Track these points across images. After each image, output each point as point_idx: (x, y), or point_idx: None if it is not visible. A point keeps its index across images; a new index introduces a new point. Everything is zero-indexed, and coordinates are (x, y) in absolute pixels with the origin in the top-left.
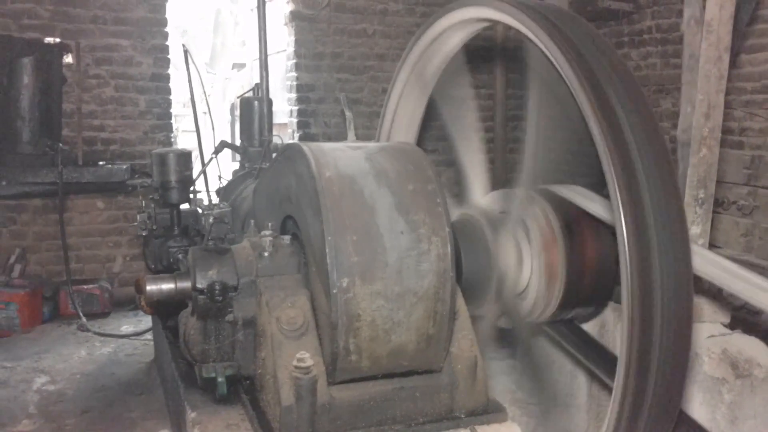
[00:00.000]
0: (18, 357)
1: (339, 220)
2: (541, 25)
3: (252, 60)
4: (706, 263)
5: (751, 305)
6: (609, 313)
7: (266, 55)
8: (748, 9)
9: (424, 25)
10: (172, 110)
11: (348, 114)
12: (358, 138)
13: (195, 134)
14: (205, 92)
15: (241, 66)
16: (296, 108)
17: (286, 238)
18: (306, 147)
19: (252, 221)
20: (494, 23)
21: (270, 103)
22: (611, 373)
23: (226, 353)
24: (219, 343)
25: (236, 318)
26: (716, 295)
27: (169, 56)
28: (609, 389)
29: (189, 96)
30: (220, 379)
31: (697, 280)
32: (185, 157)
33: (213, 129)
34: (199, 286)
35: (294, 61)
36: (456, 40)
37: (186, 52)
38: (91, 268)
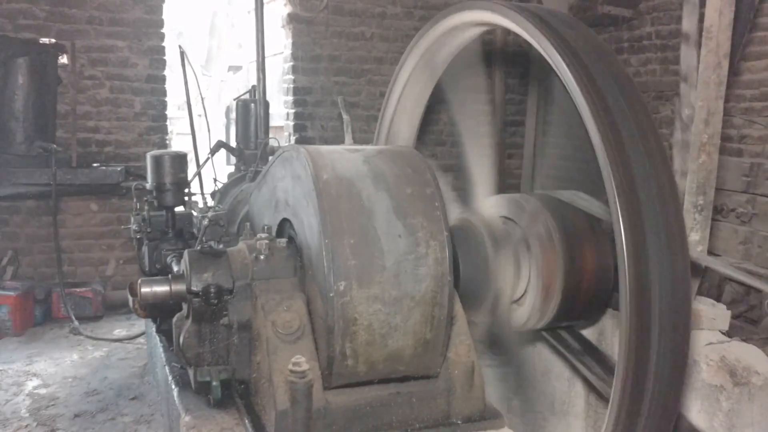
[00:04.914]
0: (9, 360)
1: (336, 223)
2: (541, 30)
3: (248, 62)
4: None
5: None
6: (607, 320)
7: (263, 57)
8: (748, 16)
9: (431, 22)
10: (167, 112)
11: (345, 117)
12: (356, 142)
13: (190, 137)
14: (201, 94)
15: (237, 68)
16: (293, 111)
17: (282, 241)
18: (303, 149)
19: (248, 224)
20: (495, 27)
21: (267, 105)
22: (609, 381)
23: (221, 357)
24: (214, 346)
25: (231, 321)
26: (715, 302)
27: (165, 58)
28: (607, 397)
29: (185, 98)
30: (214, 383)
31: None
32: (180, 159)
33: (209, 131)
34: (194, 288)
35: (291, 63)
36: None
37: (182, 53)
38: (84, 271)
